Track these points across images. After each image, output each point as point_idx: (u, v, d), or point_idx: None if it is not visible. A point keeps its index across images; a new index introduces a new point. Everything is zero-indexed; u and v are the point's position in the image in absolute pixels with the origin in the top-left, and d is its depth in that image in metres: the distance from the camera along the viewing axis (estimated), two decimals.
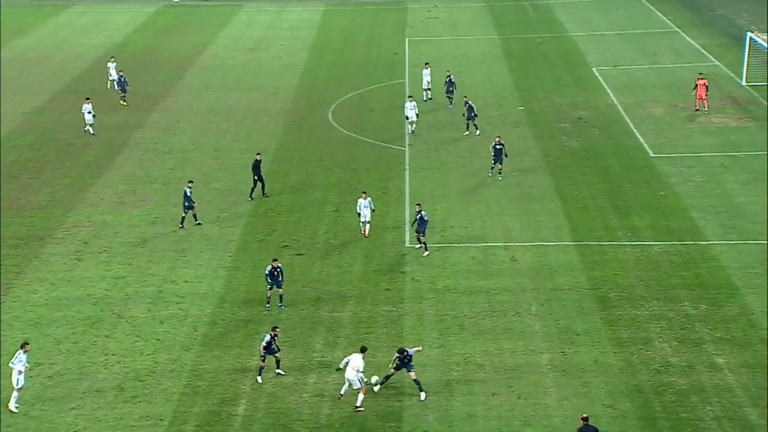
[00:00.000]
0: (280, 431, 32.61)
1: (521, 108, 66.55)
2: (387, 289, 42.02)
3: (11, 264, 44.72)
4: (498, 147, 53.11)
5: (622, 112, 65.18)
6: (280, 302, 40.29)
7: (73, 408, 33.85)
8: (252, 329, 38.73)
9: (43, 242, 47.01)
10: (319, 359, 36.64)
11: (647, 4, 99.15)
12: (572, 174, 54.53)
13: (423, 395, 33.96)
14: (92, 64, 79.49)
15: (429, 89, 67.80)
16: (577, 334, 38.04)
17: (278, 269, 40.03)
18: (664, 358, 36.35)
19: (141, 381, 35.39)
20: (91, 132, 61.46)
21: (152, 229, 48.28)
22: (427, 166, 56.18)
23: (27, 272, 43.98)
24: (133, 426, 32.94)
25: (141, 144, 60.83)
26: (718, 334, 37.90)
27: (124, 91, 68.07)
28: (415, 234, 45.23)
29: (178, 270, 43.93)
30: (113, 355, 37.12)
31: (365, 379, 33.82)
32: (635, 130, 61.44)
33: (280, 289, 40.26)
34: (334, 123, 64.42)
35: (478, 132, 60.09)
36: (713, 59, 77.35)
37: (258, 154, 52.37)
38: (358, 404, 33.46)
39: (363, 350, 34.19)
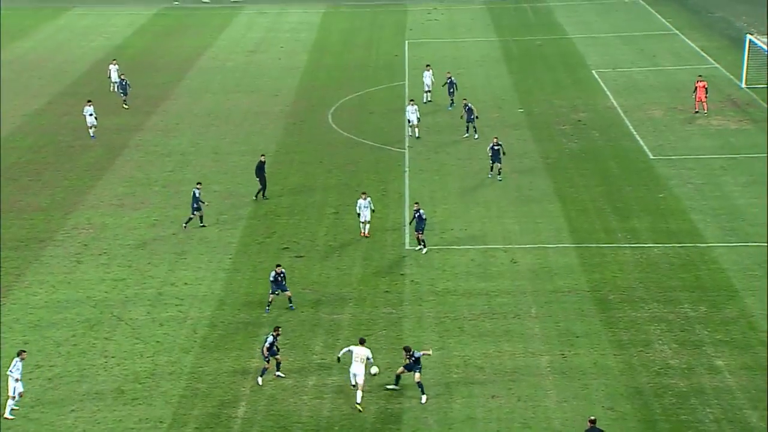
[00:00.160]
0: None
1: (521, 110, 66.56)
2: (386, 291, 42.02)
3: (11, 266, 44.70)
4: (495, 148, 53.11)
5: (622, 115, 65.17)
6: (290, 303, 40.39)
7: (72, 410, 33.84)
8: (251, 332, 38.73)
9: (43, 244, 47.00)
10: (318, 361, 36.63)
11: (647, 6, 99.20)
12: (572, 176, 54.53)
13: (424, 398, 33.94)
14: (92, 67, 79.47)
15: (429, 91, 67.80)
16: (577, 337, 38.03)
17: (282, 274, 40.04)
18: (664, 361, 36.35)
19: (140, 383, 35.38)
20: (92, 135, 61.44)
21: (152, 232, 48.27)
22: (426, 168, 56.17)
23: (27, 274, 43.98)
24: (133, 428, 32.93)
25: (141, 146, 60.81)
26: (717, 337, 37.89)
27: (125, 94, 67.99)
28: (414, 233, 45.29)
29: (177, 272, 43.93)
30: (113, 357, 37.11)
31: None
32: (635, 133, 61.43)
33: (287, 292, 40.27)
34: (333, 125, 64.41)
35: (477, 136, 59.97)
36: (713, 61, 77.34)
37: (262, 155, 52.41)
38: (358, 401, 33.49)
39: (362, 342, 34.52)
